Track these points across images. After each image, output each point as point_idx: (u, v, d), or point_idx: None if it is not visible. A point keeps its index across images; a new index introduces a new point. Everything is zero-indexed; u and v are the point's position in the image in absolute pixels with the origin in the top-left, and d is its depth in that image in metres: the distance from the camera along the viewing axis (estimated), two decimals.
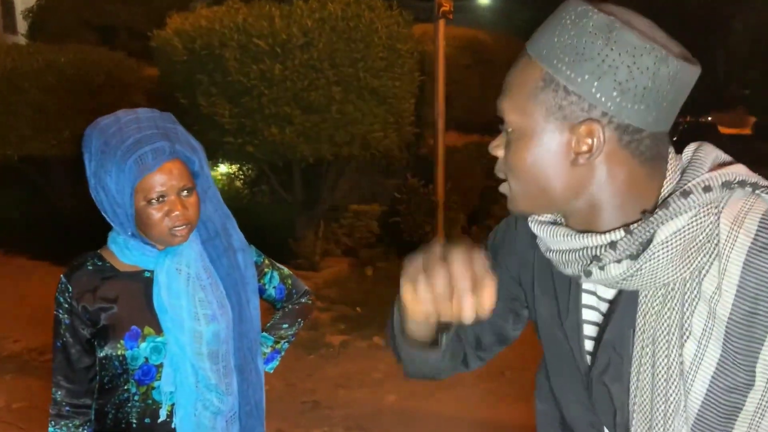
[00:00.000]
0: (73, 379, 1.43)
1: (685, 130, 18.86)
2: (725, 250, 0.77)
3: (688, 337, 0.79)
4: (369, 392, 4.13)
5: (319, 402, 3.98)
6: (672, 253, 0.77)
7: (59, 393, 1.43)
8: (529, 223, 0.92)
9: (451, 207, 7.19)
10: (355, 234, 7.05)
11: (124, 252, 1.42)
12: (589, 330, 0.91)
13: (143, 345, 1.39)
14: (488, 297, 0.72)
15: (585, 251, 0.82)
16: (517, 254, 1.02)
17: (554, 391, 1.00)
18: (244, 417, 1.49)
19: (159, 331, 1.39)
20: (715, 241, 0.78)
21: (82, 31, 12.53)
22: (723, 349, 0.78)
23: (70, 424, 1.43)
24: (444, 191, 7.02)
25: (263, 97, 5.84)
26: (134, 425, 1.40)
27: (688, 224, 0.77)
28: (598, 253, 0.81)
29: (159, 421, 1.41)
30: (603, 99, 0.77)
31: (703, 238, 0.78)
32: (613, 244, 0.80)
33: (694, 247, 0.78)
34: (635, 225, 0.80)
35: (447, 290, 0.72)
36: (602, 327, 0.88)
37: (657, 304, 0.80)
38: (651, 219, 0.78)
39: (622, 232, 0.80)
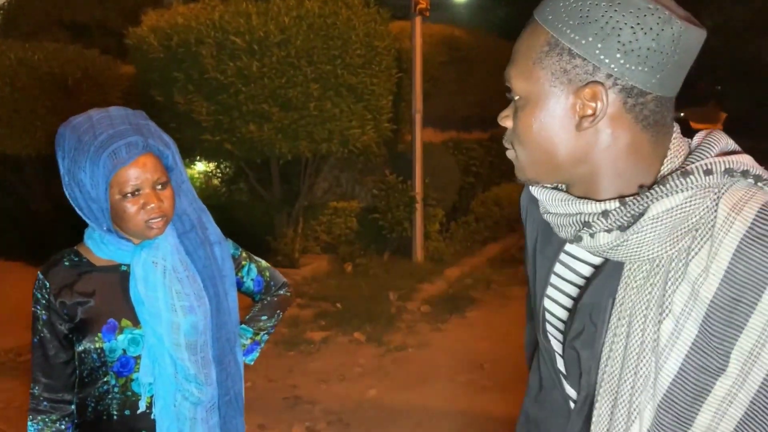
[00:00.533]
0: (50, 374, 1.44)
1: None
2: (719, 234, 0.77)
3: (667, 315, 0.79)
4: (350, 387, 4.16)
5: (301, 397, 4.00)
6: (660, 230, 0.78)
7: (37, 388, 1.45)
8: (530, 187, 0.94)
9: (429, 203, 7.24)
10: (334, 230, 7.07)
11: (101, 247, 1.43)
12: (571, 290, 0.92)
13: (121, 337, 1.40)
14: None
15: (578, 217, 0.84)
16: (532, 221, 1.03)
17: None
18: (223, 407, 1.51)
19: (136, 323, 1.41)
20: (710, 225, 0.78)
21: (54, 28, 12.34)
22: (700, 330, 0.78)
23: (47, 419, 1.45)
24: (422, 187, 7.07)
25: (241, 94, 5.83)
26: (115, 417, 1.42)
27: (682, 204, 0.78)
28: (590, 220, 0.83)
29: (138, 412, 1.42)
30: (607, 61, 0.77)
31: (696, 219, 0.79)
32: (605, 213, 0.81)
33: (685, 227, 0.79)
34: (631, 198, 0.81)
35: None
36: (582, 290, 0.90)
37: (640, 278, 0.81)
38: (647, 194, 0.79)
39: (617, 203, 0.81)
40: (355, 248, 6.90)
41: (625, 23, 0.76)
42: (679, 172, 0.79)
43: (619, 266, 0.84)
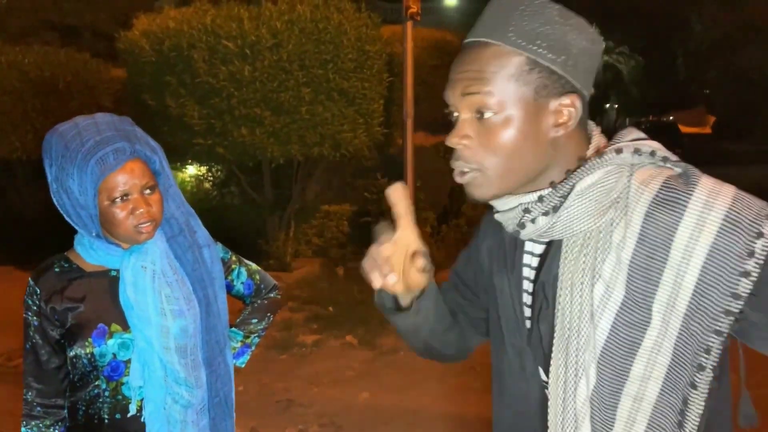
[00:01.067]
0: (43, 379, 1.45)
1: (647, 129, 19.27)
2: (632, 204, 0.89)
3: (598, 280, 0.90)
4: (342, 390, 4.17)
5: (293, 400, 4.01)
6: (586, 204, 0.90)
7: (30, 393, 1.46)
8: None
9: (420, 206, 7.26)
10: (325, 234, 7.08)
11: (90, 253, 1.44)
12: (528, 283, 1.03)
13: (110, 342, 1.41)
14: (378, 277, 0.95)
15: (520, 207, 0.95)
16: (481, 249, 1.15)
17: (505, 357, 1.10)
18: (213, 409, 1.52)
19: (126, 327, 1.42)
20: (627, 199, 0.90)
21: (43, 31, 12.29)
22: (626, 290, 0.89)
23: (41, 424, 1.46)
24: (413, 190, 7.10)
25: (233, 98, 5.84)
26: (106, 421, 1.43)
27: (601, 179, 0.90)
28: (529, 208, 0.94)
29: (129, 415, 1.43)
30: (575, 75, 0.92)
31: (617, 195, 0.90)
32: (540, 198, 0.94)
33: (607, 201, 0.90)
34: (559, 181, 0.94)
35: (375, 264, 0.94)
36: (536, 275, 1.01)
37: (575, 251, 0.93)
38: (572, 175, 0.92)
39: (549, 188, 0.94)
40: (347, 251, 6.91)
41: (582, 43, 0.92)
42: (596, 154, 0.93)
43: (560, 244, 0.96)
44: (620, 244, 0.89)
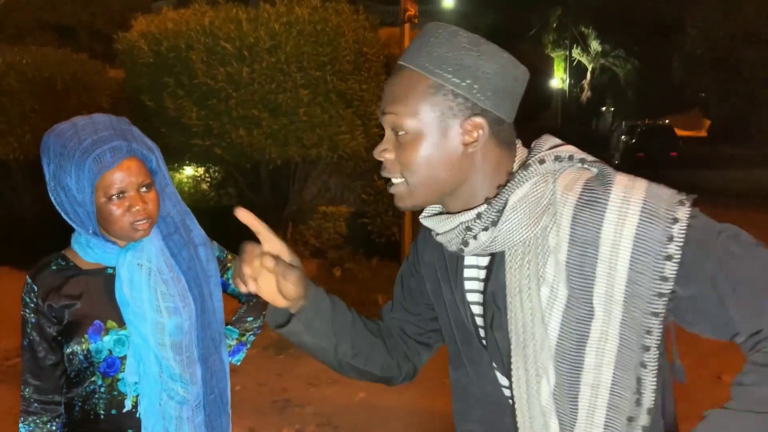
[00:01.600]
0: (40, 376, 1.47)
1: (643, 132, 19.35)
2: (559, 209, 0.96)
3: (542, 283, 0.97)
4: (339, 389, 4.19)
5: (291, 400, 4.03)
6: (521, 215, 0.97)
7: (27, 390, 1.47)
8: (421, 221, 1.11)
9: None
10: (323, 235, 7.10)
11: (87, 251, 1.46)
12: (478, 295, 1.09)
13: (106, 338, 1.43)
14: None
15: (461, 226, 1.01)
16: (421, 265, 1.20)
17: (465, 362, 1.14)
18: (208, 405, 1.54)
19: (121, 323, 1.44)
20: (555, 205, 0.97)
21: (40, 32, 12.29)
22: (568, 289, 0.96)
23: (38, 420, 1.47)
24: None
25: (231, 99, 5.86)
26: (102, 416, 1.45)
27: (531, 190, 0.98)
28: (470, 225, 1.00)
29: (124, 411, 1.45)
30: (482, 98, 0.98)
31: (546, 202, 0.98)
32: (479, 215, 1.00)
33: (540, 209, 0.97)
34: (493, 197, 1.00)
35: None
36: (484, 286, 1.07)
37: (518, 260, 0.99)
38: (504, 190, 0.99)
39: (485, 205, 1.00)
40: (344, 253, 6.93)
41: (491, 68, 0.98)
42: (521, 168, 1.00)
43: (502, 256, 1.02)
44: (556, 248, 0.96)
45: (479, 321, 1.09)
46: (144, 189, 1.42)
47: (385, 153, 1.04)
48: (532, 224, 0.97)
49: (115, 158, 1.36)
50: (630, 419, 0.97)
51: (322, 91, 6.07)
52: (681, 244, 0.90)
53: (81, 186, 1.36)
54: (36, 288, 1.45)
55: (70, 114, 1.47)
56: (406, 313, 1.26)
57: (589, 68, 28.45)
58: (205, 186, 8.14)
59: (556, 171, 0.99)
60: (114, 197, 1.38)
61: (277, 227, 6.80)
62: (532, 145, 1.06)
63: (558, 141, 1.05)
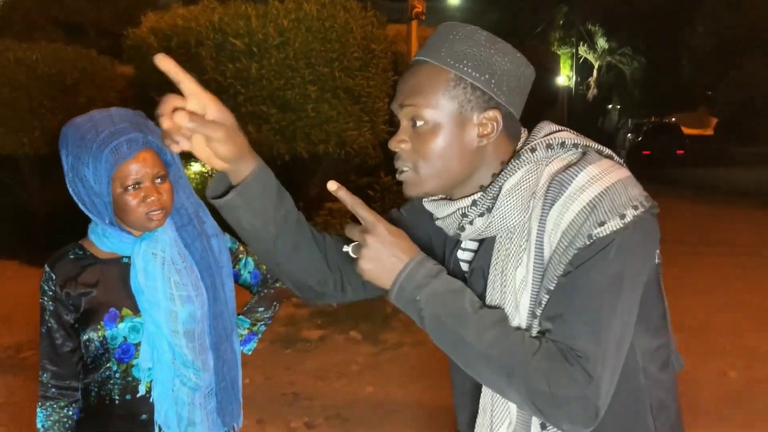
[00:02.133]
0: (57, 362, 1.51)
1: (649, 130, 19.29)
2: (539, 193, 1.01)
3: (518, 265, 1.02)
4: (347, 383, 4.23)
5: (299, 394, 4.06)
6: (514, 202, 1.02)
7: (45, 375, 1.52)
8: (424, 204, 1.15)
9: None
10: (329, 231, 7.12)
11: (103, 240, 1.50)
12: (466, 267, 1.15)
13: (121, 325, 1.47)
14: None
15: (457, 212, 1.07)
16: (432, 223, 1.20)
17: None
18: (220, 393, 1.57)
19: (136, 311, 1.48)
20: (539, 190, 1.02)
21: (48, 28, 12.33)
22: (534, 269, 1.01)
23: (56, 405, 1.52)
24: None
25: (239, 95, 5.90)
26: (117, 401, 1.49)
27: (523, 178, 1.03)
28: (466, 212, 1.06)
29: (138, 396, 1.49)
30: (498, 92, 1.04)
31: (534, 189, 1.02)
32: (474, 202, 1.06)
33: (529, 197, 1.02)
34: (487, 185, 1.06)
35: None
36: (471, 263, 1.13)
37: (506, 244, 1.05)
38: (497, 178, 1.04)
39: (480, 192, 1.06)
40: None
41: (507, 66, 1.04)
42: (514, 157, 1.05)
43: (491, 241, 1.08)
44: (531, 231, 1.02)
45: None
46: (159, 180, 1.45)
47: (402, 144, 1.08)
48: (523, 210, 1.02)
49: (131, 150, 1.40)
50: None
51: (330, 88, 6.09)
52: (594, 240, 0.95)
53: (98, 177, 1.40)
54: (54, 276, 1.49)
55: (79, 110, 1.51)
56: None
57: (596, 66, 28.38)
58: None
59: (548, 158, 1.04)
60: (130, 188, 1.42)
61: None
62: (530, 133, 1.10)
63: (554, 127, 1.10)
